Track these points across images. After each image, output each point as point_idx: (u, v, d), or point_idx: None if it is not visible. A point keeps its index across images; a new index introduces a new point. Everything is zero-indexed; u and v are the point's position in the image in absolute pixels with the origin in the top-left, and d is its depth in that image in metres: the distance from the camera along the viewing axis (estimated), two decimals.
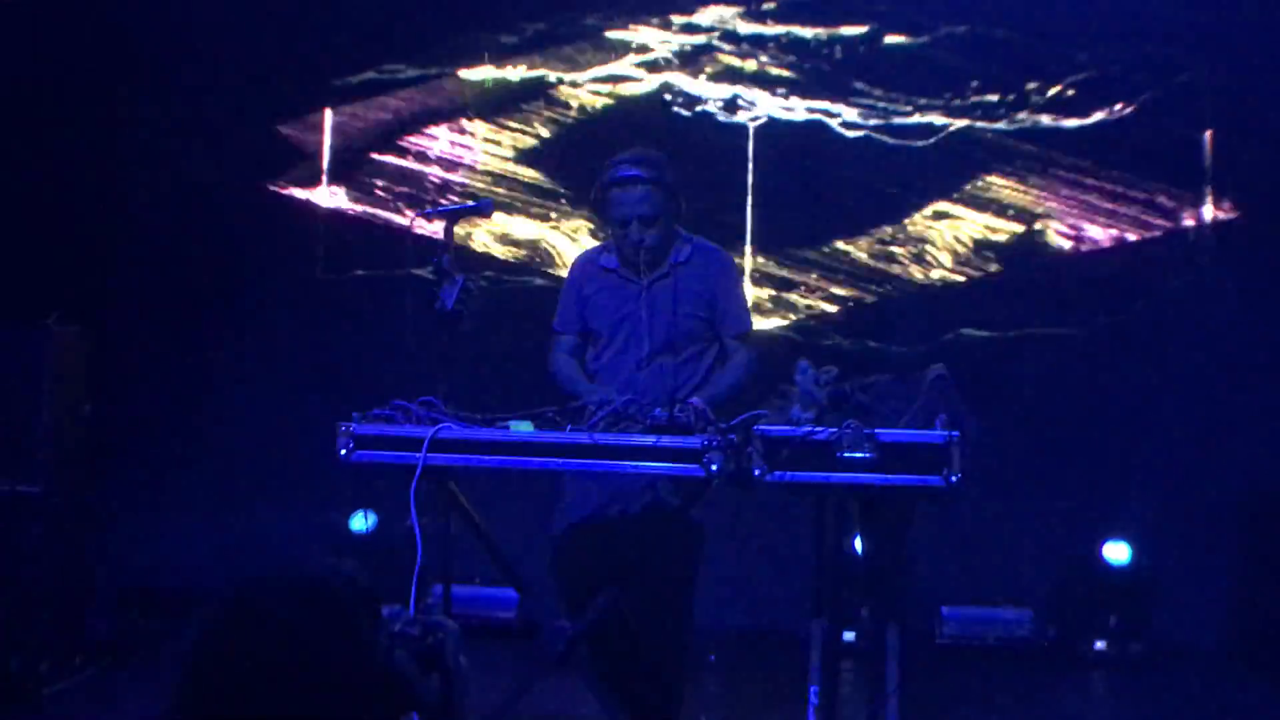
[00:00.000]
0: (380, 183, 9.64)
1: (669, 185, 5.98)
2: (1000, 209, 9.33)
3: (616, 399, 5.52)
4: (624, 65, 9.55)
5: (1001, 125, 9.30)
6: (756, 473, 5.44)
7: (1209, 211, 9.23)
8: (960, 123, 9.32)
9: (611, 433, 5.30)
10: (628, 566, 5.76)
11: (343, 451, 5.39)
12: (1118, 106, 9.23)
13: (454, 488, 5.62)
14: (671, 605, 5.94)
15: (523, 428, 5.34)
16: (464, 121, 9.64)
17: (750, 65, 9.46)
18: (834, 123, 9.38)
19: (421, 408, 5.42)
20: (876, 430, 5.55)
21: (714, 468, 5.19)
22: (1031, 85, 9.29)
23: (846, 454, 5.50)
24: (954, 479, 5.50)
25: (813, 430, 5.53)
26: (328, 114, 9.68)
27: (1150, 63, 9.18)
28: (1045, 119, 9.29)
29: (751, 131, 9.42)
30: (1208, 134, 9.21)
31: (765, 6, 9.47)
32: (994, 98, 9.31)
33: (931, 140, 9.35)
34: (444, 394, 5.50)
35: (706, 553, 6.13)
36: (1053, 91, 9.27)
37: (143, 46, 9.50)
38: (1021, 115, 9.30)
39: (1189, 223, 9.25)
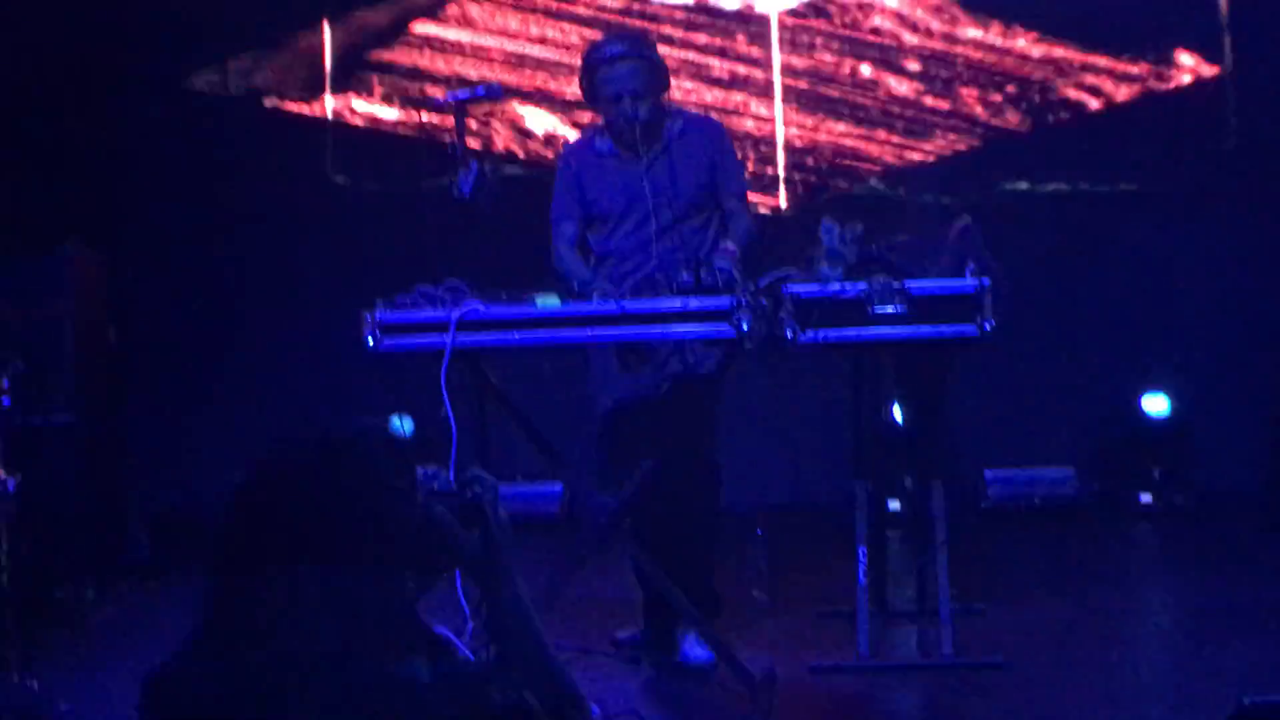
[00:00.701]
0: (387, 80, 9.51)
1: (654, 60, 5.98)
2: (1027, 63, 9.21)
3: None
4: None
5: None
6: (789, 334, 5.39)
7: (1230, 61, 9.11)
8: None
9: (639, 299, 5.25)
10: (663, 437, 5.72)
11: (370, 340, 5.34)
12: None
13: (485, 369, 5.57)
14: (702, 471, 5.93)
15: (549, 301, 5.30)
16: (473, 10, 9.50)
17: None
18: None
19: (446, 292, 5.36)
20: (907, 282, 5.49)
21: (744, 326, 5.12)
22: None
23: (878, 309, 5.46)
24: (988, 326, 5.46)
25: (843, 287, 5.48)
26: (326, 25, 9.57)
27: None
28: None
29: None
30: None
31: None
32: None
33: None
34: (468, 280, 5.46)
35: (745, 429, 6.12)
36: None
37: None
38: None
39: (1215, 76, 9.13)
